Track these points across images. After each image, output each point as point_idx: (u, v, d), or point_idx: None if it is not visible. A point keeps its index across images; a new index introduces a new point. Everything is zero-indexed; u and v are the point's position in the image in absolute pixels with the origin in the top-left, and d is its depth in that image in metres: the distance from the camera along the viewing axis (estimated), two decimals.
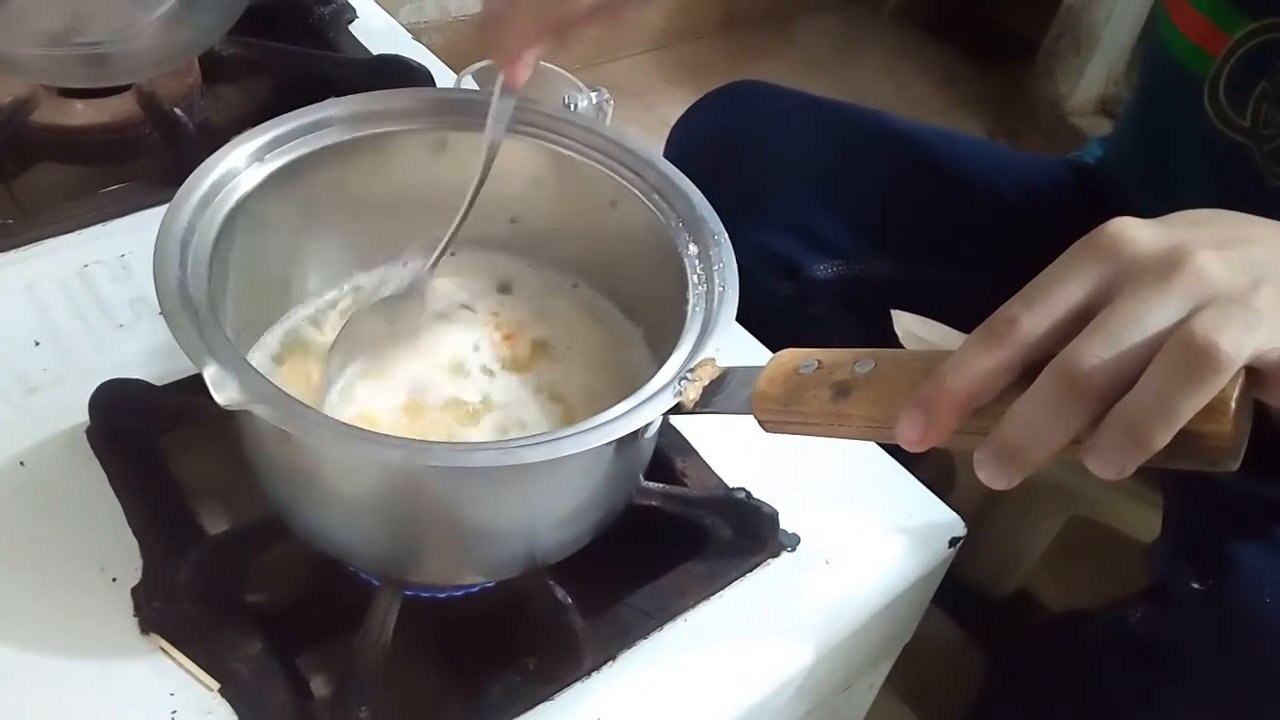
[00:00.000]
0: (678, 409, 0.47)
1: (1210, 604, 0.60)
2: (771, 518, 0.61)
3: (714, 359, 0.49)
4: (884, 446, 0.68)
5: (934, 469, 1.01)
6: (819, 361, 0.44)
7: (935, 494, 0.67)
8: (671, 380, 0.48)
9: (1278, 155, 0.69)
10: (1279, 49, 0.67)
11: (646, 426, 0.48)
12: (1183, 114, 0.74)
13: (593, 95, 0.79)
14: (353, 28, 0.99)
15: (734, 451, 0.65)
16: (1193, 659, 0.62)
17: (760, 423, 0.45)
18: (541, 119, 0.62)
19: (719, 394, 0.47)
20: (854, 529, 0.64)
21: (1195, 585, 0.61)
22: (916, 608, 0.69)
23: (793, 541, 0.62)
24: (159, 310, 0.46)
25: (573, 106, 0.78)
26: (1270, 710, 0.56)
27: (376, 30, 1.00)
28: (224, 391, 0.43)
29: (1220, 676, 0.59)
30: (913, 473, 0.68)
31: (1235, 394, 0.34)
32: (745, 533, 0.61)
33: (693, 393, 0.47)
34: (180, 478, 0.60)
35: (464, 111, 0.61)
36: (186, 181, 0.52)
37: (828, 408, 0.42)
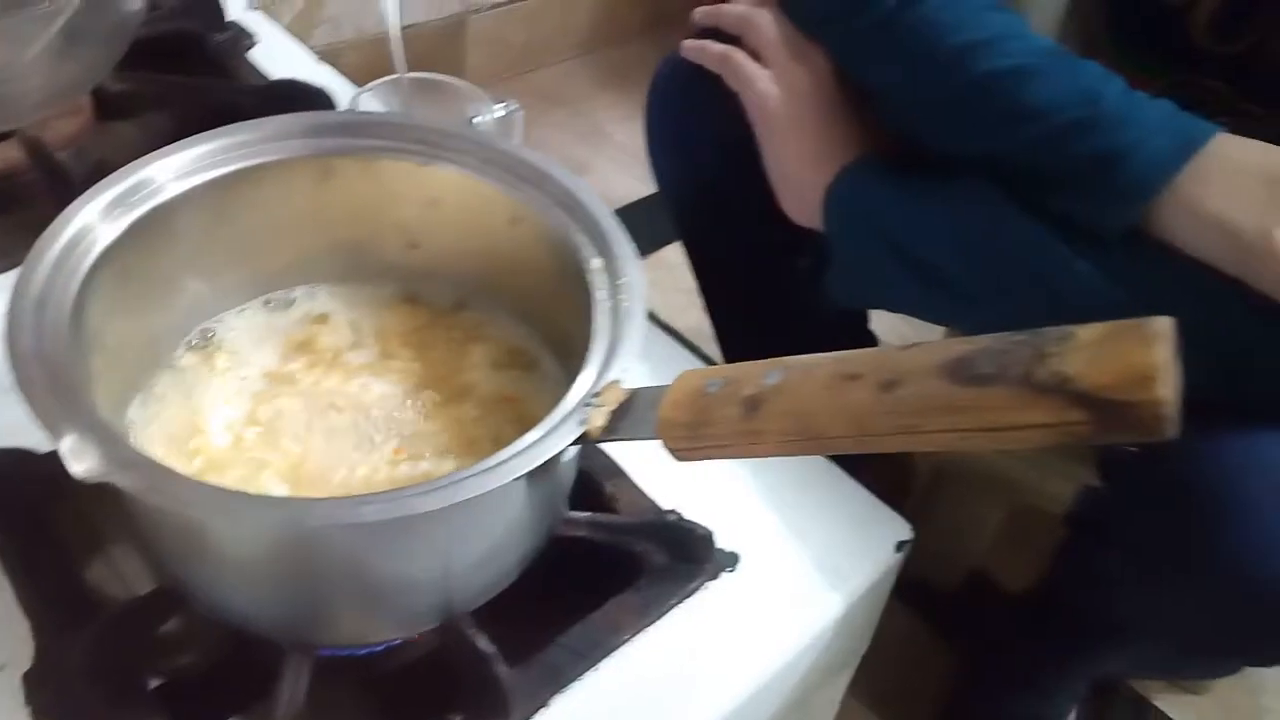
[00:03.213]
0: (583, 439, 0.44)
1: (1143, 463, 0.59)
2: (706, 538, 0.58)
3: (619, 382, 0.45)
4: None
5: (891, 469, 0.99)
6: (725, 378, 0.41)
7: (891, 496, 0.65)
8: (575, 408, 0.45)
9: None
10: (1196, 102, 0.68)
11: (556, 458, 0.44)
12: None
13: (500, 108, 0.76)
14: (253, 54, 0.96)
15: (668, 471, 0.62)
16: (1131, 520, 0.61)
17: (671, 451, 0.42)
18: (436, 137, 0.58)
19: (626, 419, 0.44)
20: (797, 541, 0.61)
21: (1131, 448, 0.61)
22: (870, 615, 0.67)
23: (731, 561, 0.59)
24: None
25: (479, 120, 0.75)
26: (1199, 561, 0.55)
27: (278, 55, 0.96)
28: (82, 462, 0.40)
29: (1155, 533, 0.59)
30: (867, 474, 0.66)
31: (1162, 359, 0.31)
32: (680, 556, 0.58)
33: (599, 420, 0.44)
34: (74, 550, 0.56)
35: (350, 134, 0.58)
36: (39, 239, 0.48)
37: (739, 426, 0.39)
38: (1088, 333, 0.33)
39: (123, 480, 0.40)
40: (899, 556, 0.62)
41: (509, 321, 0.61)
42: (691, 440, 0.41)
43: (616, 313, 0.50)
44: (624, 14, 1.85)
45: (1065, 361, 0.32)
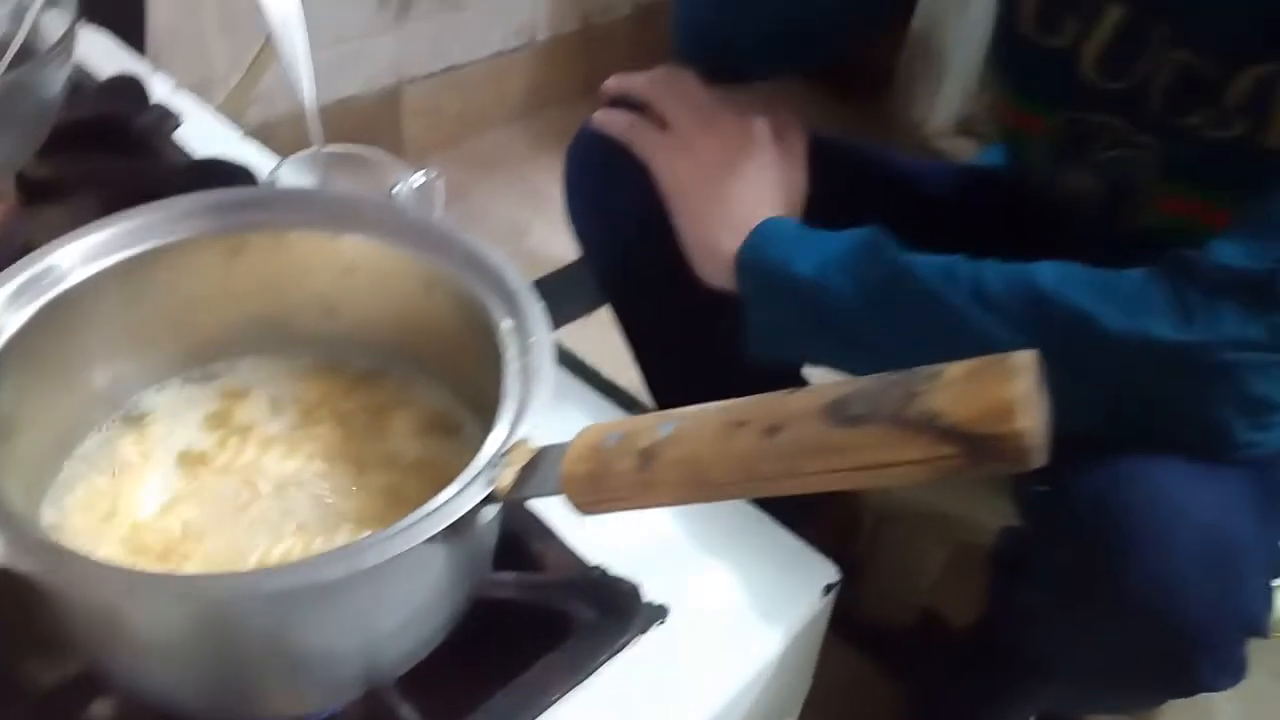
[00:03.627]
0: (491, 499, 0.44)
1: (1050, 500, 0.61)
2: (632, 592, 0.58)
3: (527, 440, 0.46)
4: (755, 500, 0.66)
5: (837, 514, 1.00)
6: (623, 432, 0.41)
7: (838, 540, 0.65)
8: (484, 469, 0.45)
9: (1094, 220, 0.74)
10: (1087, 135, 0.71)
11: (468, 520, 0.45)
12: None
13: (420, 176, 0.77)
14: (180, 134, 0.96)
15: (595, 525, 0.62)
16: (1042, 557, 0.63)
17: (574, 505, 0.42)
18: (346, 208, 0.59)
19: (533, 477, 0.44)
20: (726, 590, 0.62)
21: (1040, 488, 0.63)
22: (806, 659, 0.67)
23: (660, 614, 0.59)
24: None
25: (399, 190, 0.76)
26: (1105, 596, 0.57)
27: (205, 134, 0.97)
28: None
29: (1063, 570, 0.60)
30: (811, 523, 0.66)
31: (1023, 393, 0.32)
32: (608, 612, 0.58)
33: (507, 478, 0.44)
34: None
35: (259, 209, 0.58)
36: None
37: (635, 477, 0.40)
38: (955, 370, 0.34)
39: (24, 565, 0.39)
40: (828, 599, 0.63)
41: (431, 386, 0.62)
42: (592, 493, 0.41)
43: (526, 372, 0.50)
44: (559, 78, 1.88)
45: (933, 399, 0.33)
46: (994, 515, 0.85)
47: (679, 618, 0.59)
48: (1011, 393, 0.32)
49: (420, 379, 0.62)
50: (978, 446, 0.32)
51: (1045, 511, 0.61)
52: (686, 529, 0.64)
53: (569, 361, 1.37)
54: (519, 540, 0.61)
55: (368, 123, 1.64)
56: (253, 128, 1.45)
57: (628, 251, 0.80)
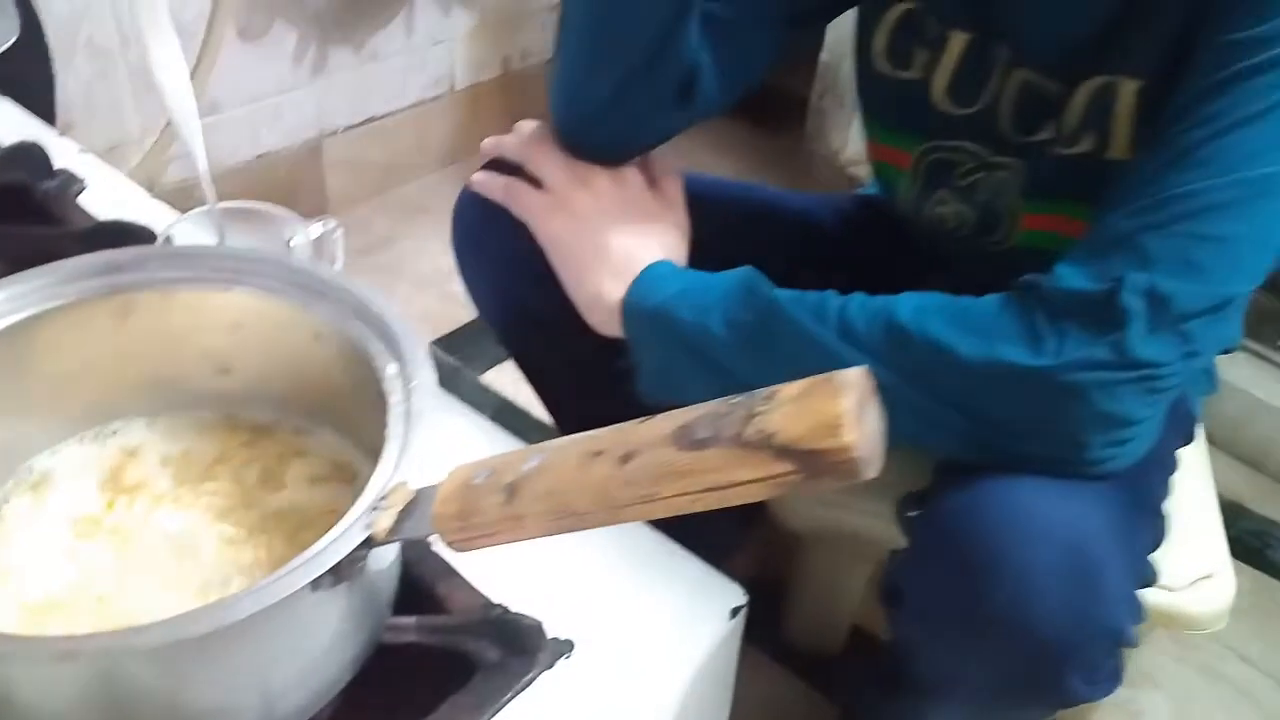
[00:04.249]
0: (369, 543, 0.45)
1: (923, 524, 0.62)
2: (536, 628, 0.58)
3: (406, 483, 0.47)
4: (657, 523, 0.67)
5: (766, 535, 1.01)
6: (491, 468, 0.42)
7: (765, 568, 0.66)
8: (363, 513, 0.46)
9: (966, 243, 0.77)
10: (950, 163, 0.74)
11: (351, 564, 0.45)
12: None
13: (317, 228, 0.78)
14: (84, 198, 0.96)
15: (499, 564, 0.63)
16: (915, 578, 0.64)
17: (448, 543, 0.43)
18: (233, 263, 0.60)
19: (410, 518, 0.45)
20: (632, 619, 0.62)
21: (910, 514, 0.64)
22: (720, 683, 0.67)
23: (566, 648, 0.60)
24: None
25: (296, 243, 0.76)
26: (975, 617, 0.57)
27: (111, 197, 0.97)
28: None
29: (936, 592, 0.61)
30: (739, 558, 0.67)
31: (849, 408, 0.33)
32: (512, 650, 0.58)
33: (385, 521, 0.45)
34: None
35: (147, 268, 0.59)
36: None
37: (502, 512, 0.41)
38: (789, 390, 0.35)
39: None
40: (735, 622, 0.64)
41: (326, 435, 0.62)
42: (463, 531, 0.42)
43: (408, 415, 0.51)
44: (482, 123, 1.90)
45: (769, 419, 0.35)
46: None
47: (586, 651, 0.60)
48: (838, 408, 0.33)
49: (315, 429, 0.62)
50: (810, 462, 0.34)
51: (917, 535, 0.62)
52: (592, 560, 0.65)
53: (495, 402, 1.39)
54: (422, 582, 0.61)
55: (290, 177, 1.64)
56: (171, 187, 1.45)
57: (520, 306, 0.81)
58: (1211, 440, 0.96)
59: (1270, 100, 0.54)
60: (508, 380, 1.33)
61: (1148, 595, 0.60)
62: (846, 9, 0.76)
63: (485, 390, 1.38)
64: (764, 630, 0.75)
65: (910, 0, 0.72)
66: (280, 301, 0.59)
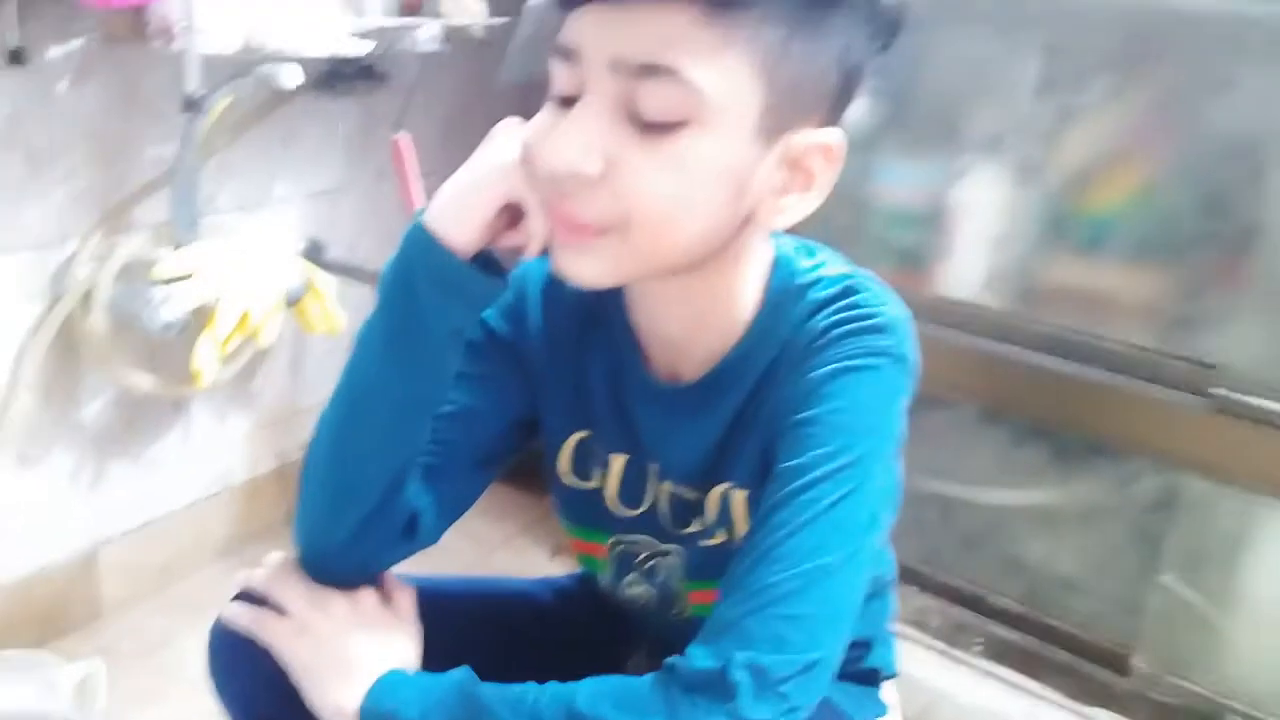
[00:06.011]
0: None
1: None
2: None
3: None
4: None
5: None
6: None
7: None
8: None
9: (656, 616, 0.95)
10: (632, 553, 0.94)
11: None
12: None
13: (82, 670, 0.86)
14: None
15: None
16: None
17: None
18: None
19: None
20: None
21: None
22: None
23: None
24: None
25: (61, 688, 0.84)
26: None
27: None
28: None
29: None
30: None
31: None
32: None
33: None
34: None
35: None
36: None
37: None
38: None
39: None
40: None
41: None
42: None
43: None
44: (261, 511, 1.98)
45: None
46: None
47: None
48: None
49: None
50: None
51: None
52: None
53: None
54: None
55: (63, 588, 1.65)
56: None
57: None
58: None
59: (816, 510, 0.74)
60: None
61: None
62: (533, 442, 0.96)
63: None
64: None
65: (583, 431, 0.92)
66: None
